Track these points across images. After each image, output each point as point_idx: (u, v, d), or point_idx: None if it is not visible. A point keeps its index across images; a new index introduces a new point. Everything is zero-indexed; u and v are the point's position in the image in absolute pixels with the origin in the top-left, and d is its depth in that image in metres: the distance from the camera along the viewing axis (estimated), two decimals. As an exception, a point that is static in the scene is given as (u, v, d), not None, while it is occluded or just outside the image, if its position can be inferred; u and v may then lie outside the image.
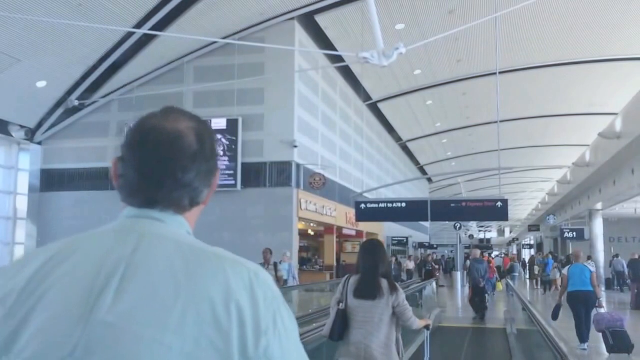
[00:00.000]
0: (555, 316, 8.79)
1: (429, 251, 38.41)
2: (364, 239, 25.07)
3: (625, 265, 22.26)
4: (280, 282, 10.12)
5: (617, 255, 23.91)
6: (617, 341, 7.61)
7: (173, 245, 0.85)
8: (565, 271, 9.48)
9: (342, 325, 3.53)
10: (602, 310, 8.52)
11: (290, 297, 12.29)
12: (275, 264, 10.15)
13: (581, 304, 8.82)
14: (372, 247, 3.79)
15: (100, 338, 0.76)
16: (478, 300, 12.98)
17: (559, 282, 16.50)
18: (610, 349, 7.71)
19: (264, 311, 0.81)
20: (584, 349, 8.63)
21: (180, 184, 0.90)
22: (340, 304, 3.60)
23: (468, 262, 28.34)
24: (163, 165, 0.89)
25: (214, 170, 0.97)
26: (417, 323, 3.75)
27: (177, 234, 0.88)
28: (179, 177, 0.89)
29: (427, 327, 4.34)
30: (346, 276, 3.82)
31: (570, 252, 27.18)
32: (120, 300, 0.78)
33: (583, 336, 8.73)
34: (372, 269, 3.61)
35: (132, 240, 0.84)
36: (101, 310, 0.77)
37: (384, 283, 3.57)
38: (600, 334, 7.91)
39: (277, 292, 0.86)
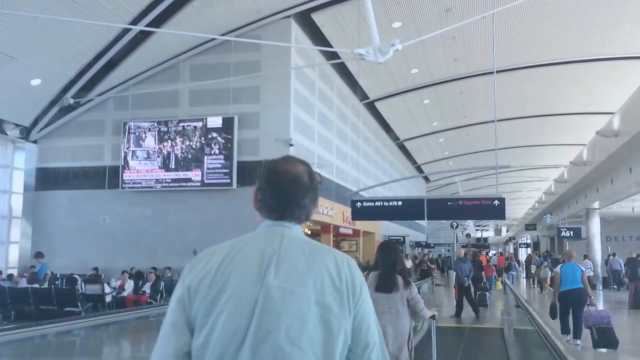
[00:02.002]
0: (554, 315, 9.14)
1: (425, 250, 38.42)
2: (361, 238, 25.06)
3: (622, 264, 22.27)
4: None
5: (613, 254, 23.91)
6: (603, 337, 8.14)
7: (300, 241, 1.42)
8: (557, 269, 9.78)
9: None
10: (593, 308, 8.82)
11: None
12: None
13: (572, 302, 9.10)
14: (389, 248, 4.45)
15: (271, 293, 1.31)
16: (468, 299, 13.04)
17: (548, 280, 16.66)
18: (595, 345, 8.23)
19: (357, 279, 1.40)
20: (568, 340, 8.85)
21: (299, 206, 1.47)
22: None
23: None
24: (290, 195, 1.46)
25: (317, 197, 1.53)
26: (428, 313, 4.44)
27: (299, 235, 1.46)
28: (299, 202, 1.46)
29: (433, 317, 4.98)
30: (365, 272, 4.22)
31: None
32: (279, 273, 1.33)
33: (566, 327, 9.12)
34: (390, 267, 4.17)
35: (277, 239, 1.41)
36: (269, 278, 1.32)
37: (399, 279, 4.16)
38: (588, 330, 8.41)
39: (359, 270, 1.44)
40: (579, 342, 8.94)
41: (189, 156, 16.11)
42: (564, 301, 9.20)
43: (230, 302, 1.30)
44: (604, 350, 8.43)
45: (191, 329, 1.32)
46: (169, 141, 16.28)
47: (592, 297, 9.26)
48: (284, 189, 1.45)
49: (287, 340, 1.27)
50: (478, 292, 15.99)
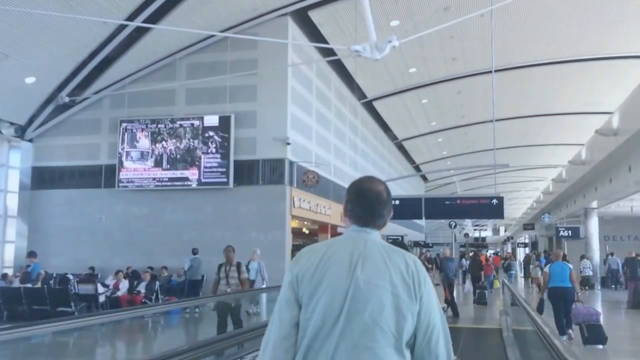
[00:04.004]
0: (540, 310, 9.52)
1: (423, 250, 38.37)
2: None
3: (619, 264, 22.23)
4: (244, 284, 8.67)
5: (611, 254, 23.87)
6: (592, 334, 8.48)
7: (378, 244, 1.83)
8: (546, 269, 10.16)
9: None
10: (580, 305, 9.16)
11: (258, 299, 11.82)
12: (239, 264, 8.74)
13: (561, 299, 9.46)
14: (400, 247, 4.74)
15: (359, 285, 1.72)
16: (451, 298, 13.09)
17: (540, 280, 16.96)
18: (585, 341, 8.51)
19: (422, 275, 1.78)
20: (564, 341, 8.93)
21: (380, 216, 1.89)
22: None
23: (464, 261, 28.42)
24: (373, 207, 1.87)
25: (391, 209, 1.95)
26: None
27: (377, 239, 1.86)
28: (380, 212, 1.88)
29: (443, 309, 5.10)
30: None
31: (566, 250, 27.24)
32: (364, 269, 1.74)
33: (562, 329, 9.32)
34: None
35: (362, 242, 1.82)
36: (357, 274, 1.73)
37: None
38: (577, 327, 8.77)
39: (423, 267, 1.83)
40: (571, 331, 9.26)
41: (186, 155, 16.00)
42: (554, 298, 9.56)
43: (328, 290, 1.73)
44: (600, 347, 8.65)
45: (299, 305, 1.76)
46: (166, 140, 16.17)
47: (579, 294, 9.65)
48: (369, 203, 1.87)
49: (370, 320, 1.70)
50: (478, 291, 16.07)
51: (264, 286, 12.67)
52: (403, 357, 1.72)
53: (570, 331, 9.27)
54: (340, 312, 1.71)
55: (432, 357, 1.75)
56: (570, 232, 25.33)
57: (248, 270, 12.52)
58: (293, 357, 1.75)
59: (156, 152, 16.23)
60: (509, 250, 54.40)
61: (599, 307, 16.31)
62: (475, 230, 62.39)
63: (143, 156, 16.34)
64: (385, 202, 1.89)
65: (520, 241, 56.65)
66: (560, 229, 25.99)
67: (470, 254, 31.15)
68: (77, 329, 7.00)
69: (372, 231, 1.87)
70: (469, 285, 22.49)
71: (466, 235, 44.66)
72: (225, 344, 5.03)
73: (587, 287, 22.12)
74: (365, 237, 1.84)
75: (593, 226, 25.17)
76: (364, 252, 1.78)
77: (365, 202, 1.87)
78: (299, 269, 1.79)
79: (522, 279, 29.61)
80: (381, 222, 1.90)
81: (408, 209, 12.65)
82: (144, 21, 12.88)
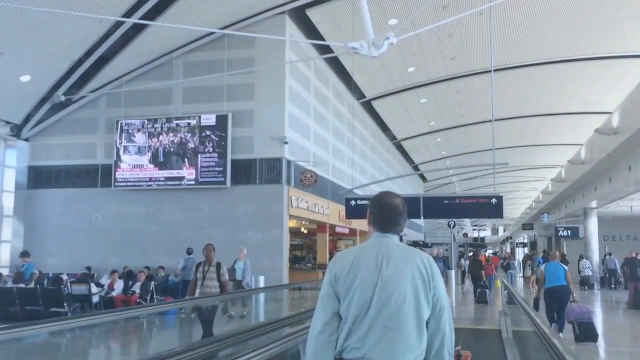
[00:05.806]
0: (535, 309, 9.79)
1: (422, 249, 38.20)
2: (358, 237, 24.84)
3: (617, 264, 22.18)
4: (225, 287, 7.97)
5: (610, 254, 23.82)
6: (584, 331, 8.84)
7: (398, 246, 2.30)
8: (542, 268, 10.46)
9: None
10: (575, 305, 9.46)
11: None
12: (219, 265, 8.00)
13: (556, 298, 9.68)
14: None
15: (385, 280, 2.19)
16: None
17: (532, 279, 17.15)
18: (577, 339, 8.83)
19: (434, 270, 2.26)
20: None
21: (397, 224, 2.36)
22: None
23: (463, 261, 28.26)
24: (392, 217, 2.35)
25: (407, 218, 2.40)
26: None
27: (397, 242, 2.33)
28: (398, 221, 2.36)
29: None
30: None
31: (565, 250, 27.20)
32: (389, 267, 2.21)
33: (552, 319, 9.56)
34: None
35: (385, 245, 2.29)
36: (383, 271, 2.21)
37: None
38: (570, 325, 9.14)
39: (435, 263, 2.32)
40: (561, 335, 9.19)
41: (183, 154, 15.89)
42: (550, 298, 9.77)
43: (361, 285, 2.18)
44: (593, 344, 8.81)
45: (338, 299, 2.21)
46: (162, 139, 16.06)
47: (575, 295, 9.83)
48: (389, 214, 2.34)
49: (395, 307, 2.15)
50: (478, 290, 16.05)
51: (249, 286, 12.58)
52: (422, 334, 2.18)
53: (560, 335, 9.26)
54: (371, 302, 2.16)
55: (441, 335, 2.22)
56: (569, 232, 25.23)
57: (235, 270, 12.39)
58: (337, 339, 2.19)
59: (153, 152, 16.12)
60: (508, 250, 54.32)
61: (598, 308, 16.25)
62: (474, 230, 62.33)
63: (139, 156, 16.23)
64: (402, 213, 2.36)
65: (520, 241, 56.57)
66: (559, 229, 25.90)
67: (470, 254, 31.05)
68: (69, 330, 6.89)
69: (392, 236, 2.34)
70: (468, 284, 22.41)
71: (465, 235, 44.52)
72: (217, 347, 4.91)
73: (586, 287, 22.06)
74: (387, 242, 2.30)
75: (592, 226, 25.10)
76: (388, 253, 2.24)
77: (386, 213, 2.34)
78: (337, 269, 2.25)
79: (522, 278, 29.54)
80: (399, 229, 2.36)
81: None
82: (141, 19, 12.77)
